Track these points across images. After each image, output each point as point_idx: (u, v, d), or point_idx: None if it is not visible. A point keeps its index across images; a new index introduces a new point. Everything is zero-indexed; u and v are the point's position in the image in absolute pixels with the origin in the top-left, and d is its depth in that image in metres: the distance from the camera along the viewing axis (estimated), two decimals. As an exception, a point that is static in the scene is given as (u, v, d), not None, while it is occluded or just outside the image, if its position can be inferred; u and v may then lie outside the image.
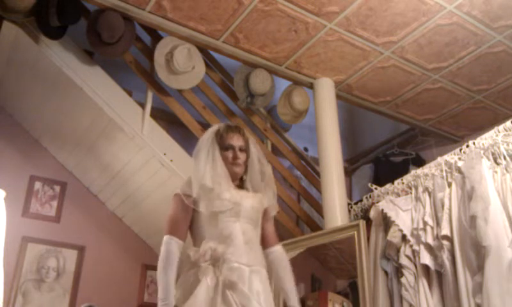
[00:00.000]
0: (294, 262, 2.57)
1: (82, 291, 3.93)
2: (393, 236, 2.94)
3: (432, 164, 3.07)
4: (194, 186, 2.20)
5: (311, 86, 4.18)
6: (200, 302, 1.97)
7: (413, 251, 2.84)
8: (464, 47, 3.76)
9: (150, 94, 3.74)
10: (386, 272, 3.00)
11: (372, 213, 3.21)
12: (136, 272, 4.26)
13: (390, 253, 2.96)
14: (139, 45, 3.84)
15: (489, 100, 4.42)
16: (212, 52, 4.15)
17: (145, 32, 3.88)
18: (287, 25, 3.58)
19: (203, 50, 3.93)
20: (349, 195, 5.18)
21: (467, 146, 2.89)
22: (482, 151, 2.75)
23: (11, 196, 3.38)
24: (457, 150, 2.97)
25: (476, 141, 2.84)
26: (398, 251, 2.93)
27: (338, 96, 4.23)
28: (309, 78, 4.14)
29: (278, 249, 2.36)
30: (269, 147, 4.47)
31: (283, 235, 3.48)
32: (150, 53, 3.78)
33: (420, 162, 4.76)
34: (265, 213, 2.36)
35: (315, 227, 4.06)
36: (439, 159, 3.01)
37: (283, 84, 4.34)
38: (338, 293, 3.54)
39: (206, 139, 2.36)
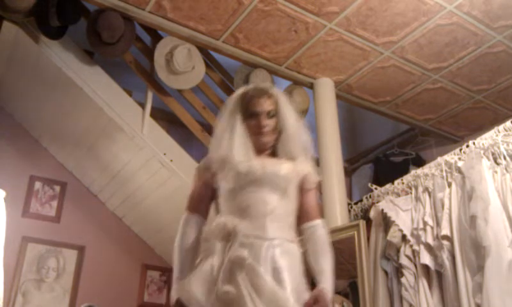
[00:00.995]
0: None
1: (82, 291, 3.93)
2: (393, 236, 2.94)
3: (432, 164, 3.07)
4: (211, 158, 2.00)
5: (311, 86, 4.17)
6: (197, 284, 1.75)
7: (413, 251, 2.84)
8: (464, 47, 3.76)
9: (150, 94, 3.74)
10: (386, 272, 2.99)
11: (372, 213, 3.21)
12: (136, 272, 4.26)
13: (390, 253, 2.96)
14: (139, 45, 3.84)
15: (489, 100, 4.42)
16: (212, 52, 4.15)
17: (145, 32, 3.88)
18: (287, 25, 3.58)
19: (203, 50, 3.93)
20: (349, 195, 5.17)
21: (467, 146, 2.89)
22: (482, 151, 2.75)
23: (11, 196, 3.38)
24: (457, 150, 2.97)
25: (476, 141, 2.84)
26: (398, 251, 2.93)
27: (338, 96, 4.23)
28: (309, 78, 4.14)
29: (316, 224, 2.02)
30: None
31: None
32: (150, 53, 3.77)
33: (420, 162, 4.76)
34: (302, 183, 2.04)
35: (315, 227, 4.05)
36: (439, 159, 3.01)
37: (283, 84, 4.34)
38: (338, 293, 3.54)
39: (229, 104, 2.09)
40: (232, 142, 1.95)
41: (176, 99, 3.84)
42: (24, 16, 3.23)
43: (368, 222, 3.22)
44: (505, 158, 2.66)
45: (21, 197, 3.96)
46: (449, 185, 2.85)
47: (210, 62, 4.25)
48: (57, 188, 4.14)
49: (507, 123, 2.77)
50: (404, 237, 2.91)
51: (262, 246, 1.80)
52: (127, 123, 3.54)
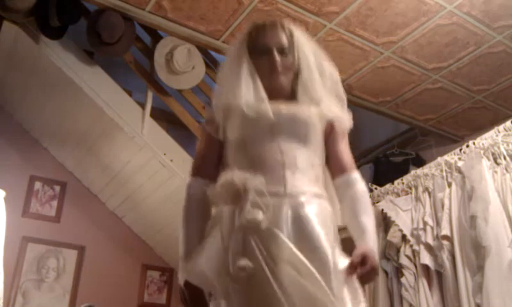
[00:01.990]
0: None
1: (82, 291, 3.93)
2: (393, 236, 2.94)
3: (432, 164, 3.07)
4: (215, 107, 1.68)
5: (311, 86, 4.17)
6: (206, 261, 1.43)
7: (413, 251, 2.84)
8: (464, 46, 3.76)
9: (150, 94, 3.74)
10: (386, 272, 3.00)
11: (372, 213, 3.21)
12: (135, 272, 4.26)
13: (390, 253, 2.96)
14: (139, 45, 3.83)
15: (489, 100, 4.41)
16: (212, 52, 4.15)
17: (145, 32, 3.88)
18: (287, 25, 3.58)
19: (203, 50, 3.93)
20: (349, 195, 5.16)
21: (467, 146, 2.89)
22: (482, 151, 2.75)
23: (11, 196, 3.39)
24: (457, 150, 2.97)
25: (476, 141, 2.84)
26: (398, 251, 2.93)
27: (338, 96, 4.22)
28: (309, 78, 4.13)
29: (352, 177, 1.64)
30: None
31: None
32: (150, 53, 3.77)
33: (420, 162, 4.75)
34: (329, 129, 1.68)
35: (315, 227, 4.05)
36: (439, 159, 3.01)
37: (283, 84, 4.33)
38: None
39: (234, 46, 1.76)
40: (239, 84, 1.61)
41: (176, 99, 3.84)
42: (24, 16, 3.23)
43: (369, 222, 3.22)
44: (505, 158, 2.66)
45: (21, 197, 3.96)
46: (449, 185, 2.85)
47: (210, 63, 4.25)
48: (57, 188, 4.14)
49: (507, 123, 2.77)
50: (404, 237, 2.91)
51: (282, 205, 1.45)
52: (127, 123, 3.54)
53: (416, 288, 2.77)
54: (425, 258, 2.74)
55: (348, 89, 4.28)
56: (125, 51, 3.60)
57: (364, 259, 1.44)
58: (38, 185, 4.07)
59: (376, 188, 3.42)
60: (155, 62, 3.64)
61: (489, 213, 2.48)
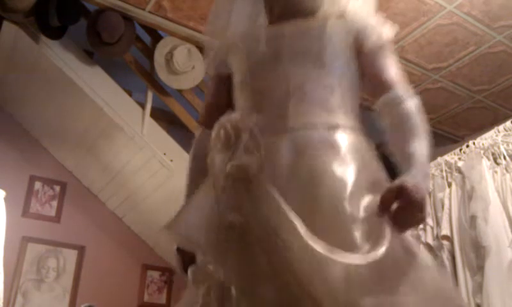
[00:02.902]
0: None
1: (82, 291, 3.92)
2: (393, 236, 2.94)
3: (432, 164, 3.07)
4: (208, 43, 1.48)
5: (311, 86, 4.17)
6: (192, 217, 1.16)
7: (413, 251, 2.84)
8: (464, 46, 3.76)
9: (150, 94, 3.74)
10: (386, 272, 2.99)
11: (372, 213, 3.21)
12: (135, 272, 4.25)
13: (390, 253, 2.96)
14: (139, 45, 3.83)
15: (489, 100, 4.41)
16: (212, 52, 4.14)
17: (145, 32, 3.88)
18: (287, 25, 3.58)
19: (203, 50, 3.93)
20: (349, 195, 5.16)
21: (467, 146, 2.89)
22: (482, 151, 2.75)
23: (11, 196, 3.39)
24: (457, 150, 2.97)
25: (476, 141, 2.84)
26: (398, 251, 2.92)
27: (338, 96, 4.22)
28: (309, 78, 4.13)
29: (392, 94, 1.37)
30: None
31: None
32: (150, 53, 3.77)
33: (420, 162, 4.76)
34: (360, 41, 1.35)
35: (315, 227, 4.05)
36: (439, 159, 3.01)
37: (283, 84, 4.33)
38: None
39: None
40: (232, 8, 1.38)
41: (176, 99, 3.84)
42: (24, 16, 3.23)
43: (369, 222, 3.22)
44: (505, 158, 2.66)
45: (21, 197, 3.95)
46: (449, 185, 2.85)
47: (210, 63, 4.24)
48: (57, 188, 4.14)
49: (507, 123, 2.77)
50: (404, 237, 2.90)
51: (279, 144, 1.16)
52: (127, 123, 3.54)
53: (416, 288, 2.77)
54: (425, 258, 2.74)
55: (348, 89, 4.27)
56: (125, 51, 3.60)
57: (400, 194, 1.05)
58: (38, 185, 4.07)
59: (375, 188, 3.42)
60: (155, 62, 3.64)
61: (489, 213, 2.48)
